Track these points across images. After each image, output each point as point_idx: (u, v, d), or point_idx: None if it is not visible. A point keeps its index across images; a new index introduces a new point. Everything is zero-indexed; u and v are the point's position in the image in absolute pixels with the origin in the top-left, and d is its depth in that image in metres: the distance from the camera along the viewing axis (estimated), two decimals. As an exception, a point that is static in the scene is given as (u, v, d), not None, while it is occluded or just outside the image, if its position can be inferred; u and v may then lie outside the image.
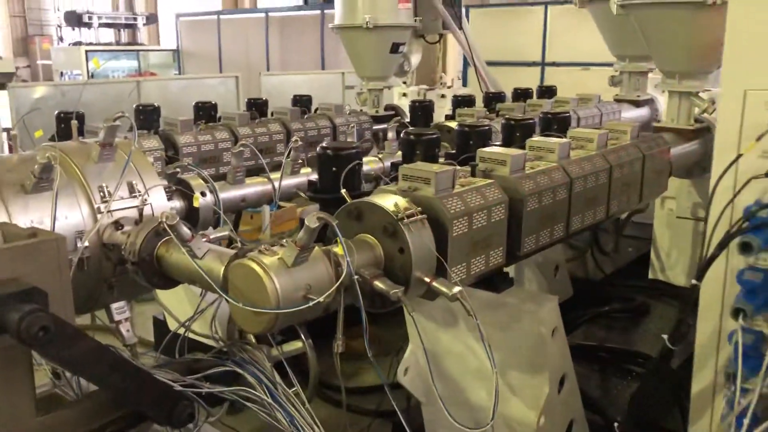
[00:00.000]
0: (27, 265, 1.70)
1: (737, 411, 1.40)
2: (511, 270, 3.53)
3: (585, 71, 8.38)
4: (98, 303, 2.31)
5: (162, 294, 3.43)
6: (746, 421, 1.36)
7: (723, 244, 1.46)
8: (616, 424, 1.81)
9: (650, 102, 5.91)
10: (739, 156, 1.50)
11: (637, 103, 5.69)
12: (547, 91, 5.66)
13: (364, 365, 4.00)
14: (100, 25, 20.81)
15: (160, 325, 4.15)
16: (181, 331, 2.33)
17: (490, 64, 8.96)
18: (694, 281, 1.55)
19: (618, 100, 5.75)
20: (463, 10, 10.57)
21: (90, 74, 12.75)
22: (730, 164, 1.52)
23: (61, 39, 22.40)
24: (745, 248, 1.42)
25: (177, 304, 3.31)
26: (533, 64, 10.21)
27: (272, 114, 4.40)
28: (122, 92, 6.51)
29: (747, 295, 1.47)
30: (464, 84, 9.93)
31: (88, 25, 20.32)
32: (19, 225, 1.98)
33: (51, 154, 2.07)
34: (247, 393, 2.02)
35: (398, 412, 2.28)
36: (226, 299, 1.80)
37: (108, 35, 22.74)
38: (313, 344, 2.41)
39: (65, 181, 2.15)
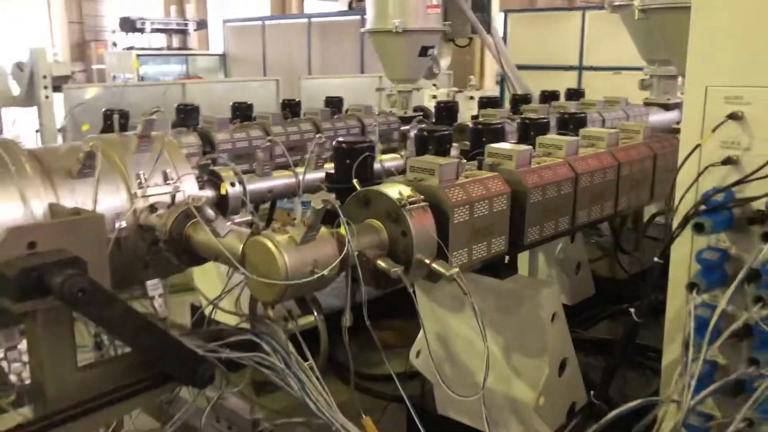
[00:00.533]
0: (70, 239, 1.95)
1: (688, 376, 1.55)
2: (524, 265, 3.70)
3: (617, 75, 8.41)
4: (135, 280, 2.57)
5: (198, 278, 3.70)
6: (693, 383, 1.51)
7: (682, 225, 1.61)
8: (591, 392, 1.95)
9: (680, 105, 5.96)
10: (698, 146, 1.64)
11: (666, 107, 5.75)
12: (575, 94, 5.78)
13: (391, 355, 4.21)
14: (153, 30, 21.50)
15: (196, 311, 4.42)
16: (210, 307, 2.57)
17: (528, 68, 9.07)
18: (656, 258, 1.70)
19: (647, 104, 5.82)
20: (502, 15, 10.73)
21: (140, 77, 13.28)
22: (690, 153, 1.66)
23: (115, 44, 23.24)
24: (698, 228, 1.57)
25: (211, 288, 3.57)
26: (571, 68, 10.26)
27: (304, 114, 4.65)
28: (169, 94, 6.86)
29: (703, 272, 1.62)
30: (501, 87, 10.04)
31: (141, 31, 21.03)
32: (66, 207, 2.24)
33: (94, 144, 2.33)
34: (263, 360, 2.23)
35: (405, 398, 2.44)
36: (243, 271, 2.02)
37: (160, 40, 23.49)
38: (324, 318, 2.61)
39: (107, 168, 2.40)
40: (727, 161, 1.63)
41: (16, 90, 11.15)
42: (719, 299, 1.61)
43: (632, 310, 1.79)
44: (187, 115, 4.13)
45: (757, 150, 1.60)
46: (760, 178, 1.55)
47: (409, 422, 3.35)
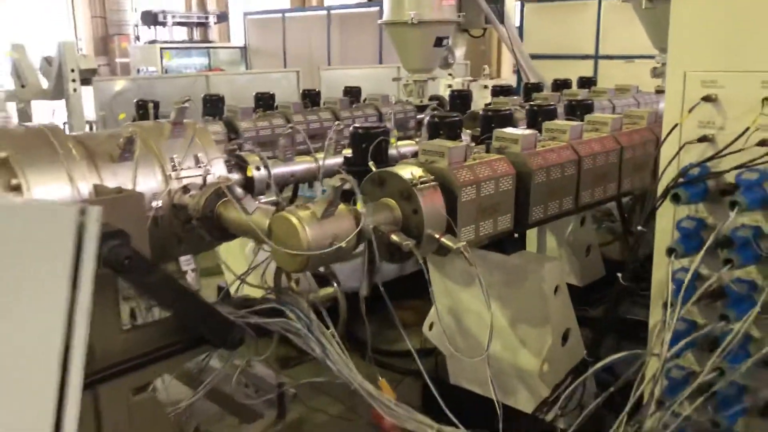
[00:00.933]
0: (114, 215, 2.17)
1: (667, 331, 1.74)
2: (533, 246, 3.88)
3: (630, 63, 8.51)
4: (170, 255, 2.80)
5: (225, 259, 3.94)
6: (667, 337, 1.70)
7: (663, 196, 1.79)
8: (585, 352, 2.14)
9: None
10: (676, 125, 1.82)
11: (677, 94, 5.86)
12: (587, 82, 5.91)
13: (409, 333, 4.44)
14: (174, 23, 21.86)
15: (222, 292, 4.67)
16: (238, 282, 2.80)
17: (544, 57, 9.17)
18: (639, 227, 1.89)
19: (659, 91, 5.95)
20: (518, 5, 10.82)
21: (164, 70, 13.60)
22: (669, 132, 1.84)
23: (137, 38, 23.63)
24: (676, 199, 1.75)
25: (237, 268, 3.81)
26: (587, 57, 10.35)
27: (324, 104, 4.85)
28: (194, 86, 7.12)
29: (682, 239, 1.80)
30: (518, 76, 10.17)
31: (163, 24, 21.39)
32: (109, 187, 2.47)
33: (133, 130, 2.56)
34: (288, 326, 2.45)
35: (420, 366, 2.65)
36: (269, 244, 2.23)
37: (181, 33, 23.82)
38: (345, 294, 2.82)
39: (144, 152, 2.63)
40: (703, 139, 1.80)
41: (44, 84, 11.49)
42: (690, 260, 1.80)
43: (619, 274, 1.97)
44: (212, 105, 4.35)
45: (730, 129, 1.77)
46: (731, 153, 1.73)
47: (424, 394, 3.57)
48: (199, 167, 2.73)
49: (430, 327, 3.30)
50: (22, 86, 11.94)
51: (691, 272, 1.68)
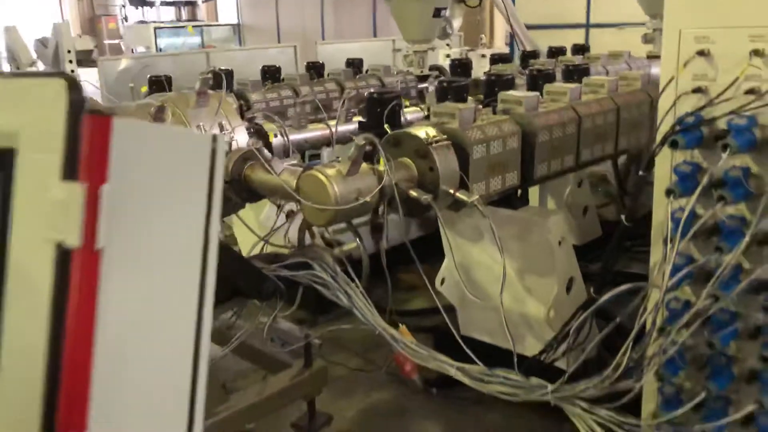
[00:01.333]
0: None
1: (668, 264, 1.95)
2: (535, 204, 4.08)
3: (621, 30, 8.65)
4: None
5: (238, 230, 4.12)
6: (667, 270, 1.90)
7: (662, 143, 1.98)
8: (591, 289, 2.35)
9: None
10: (672, 78, 2.01)
11: (668, 58, 6.04)
12: (581, 49, 6.10)
13: (414, 294, 4.66)
14: (162, 3, 21.79)
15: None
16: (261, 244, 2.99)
17: (537, 27, 9.30)
18: (641, 172, 2.09)
19: (650, 57, 6.12)
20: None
21: (158, 49, 13.66)
22: (666, 85, 2.03)
23: (125, 18, 23.54)
24: (673, 145, 1.94)
25: (249, 239, 4.00)
26: (578, 26, 10.49)
27: (328, 75, 5.02)
28: (194, 63, 7.23)
29: (679, 181, 2.00)
30: (511, 45, 10.30)
31: (151, 4, 21.34)
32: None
33: (163, 99, 2.73)
34: (315, 278, 2.64)
35: (442, 311, 2.86)
36: (300, 200, 2.42)
37: (169, 13, 23.73)
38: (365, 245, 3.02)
39: (173, 121, 2.81)
40: (697, 90, 1.99)
41: (41, 66, 11.52)
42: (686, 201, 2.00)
43: (623, 216, 2.18)
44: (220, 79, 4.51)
45: (721, 80, 1.96)
46: (723, 101, 1.92)
47: (435, 347, 3.80)
48: (224, 133, 2.91)
49: (442, 282, 3.50)
50: (17, 69, 11.98)
51: (688, 209, 1.88)
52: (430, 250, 3.37)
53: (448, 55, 6.40)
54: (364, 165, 2.47)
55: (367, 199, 2.39)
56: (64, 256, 0.79)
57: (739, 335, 2.03)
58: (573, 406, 2.24)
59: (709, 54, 1.96)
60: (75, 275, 0.79)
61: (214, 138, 0.88)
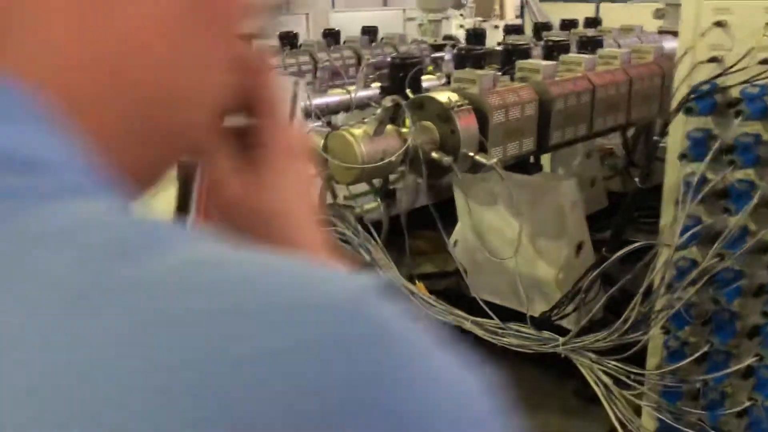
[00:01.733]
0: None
1: (678, 224, 2.07)
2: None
3: (631, 4, 8.67)
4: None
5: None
6: (677, 228, 2.03)
7: (677, 110, 2.09)
8: (603, 249, 2.47)
9: (693, 32, 6.31)
10: (689, 48, 2.11)
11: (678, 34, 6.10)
12: (593, 22, 6.15)
13: (424, 260, 4.80)
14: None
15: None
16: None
17: (546, 0, 9.30)
18: (655, 137, 2.20)
19: (661, 32, 6.18)
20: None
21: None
22: (683, 55, 2.14)
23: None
24: (688, 111, 2.05)
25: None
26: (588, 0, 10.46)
27: (344, 42, 5.09)
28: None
29: (691, 147, 2.11)
30: (522, 16, 10.29)
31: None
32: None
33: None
34: (338, 236, 2.77)
35: (461, 268, 2.99)
36: (327, 157, 2.53)
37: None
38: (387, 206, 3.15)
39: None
40: (713, 60, 2.09)
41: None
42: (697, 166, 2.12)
43: (636, 179, 2.29)
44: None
45: (736, 50, 2.05)
46: (737, 70, 2.03)
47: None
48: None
49: (455, 244, 3.63)
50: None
51: (700, 173, 1.99)
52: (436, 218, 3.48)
53: (461, 26, 6.46)
54: (389, 126, 2.57)
55: (392, 158, 2.50)
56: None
57: (743, 293, 2.15)
58: (582, 357, 2.38)
59: (726, 25, 2.06)
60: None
61: (296, 82, 0.99)
